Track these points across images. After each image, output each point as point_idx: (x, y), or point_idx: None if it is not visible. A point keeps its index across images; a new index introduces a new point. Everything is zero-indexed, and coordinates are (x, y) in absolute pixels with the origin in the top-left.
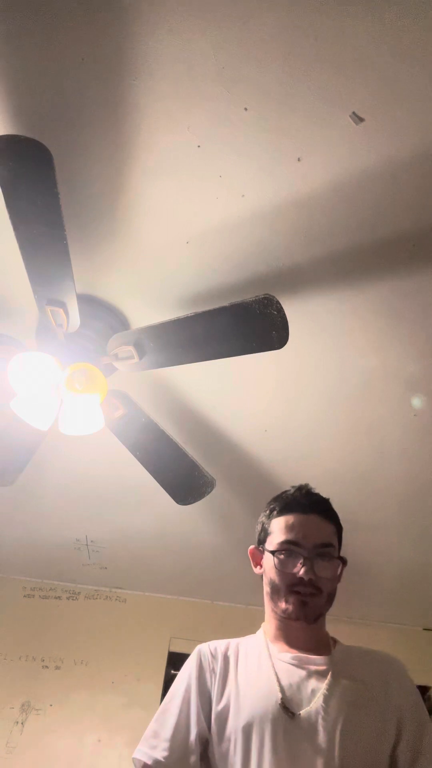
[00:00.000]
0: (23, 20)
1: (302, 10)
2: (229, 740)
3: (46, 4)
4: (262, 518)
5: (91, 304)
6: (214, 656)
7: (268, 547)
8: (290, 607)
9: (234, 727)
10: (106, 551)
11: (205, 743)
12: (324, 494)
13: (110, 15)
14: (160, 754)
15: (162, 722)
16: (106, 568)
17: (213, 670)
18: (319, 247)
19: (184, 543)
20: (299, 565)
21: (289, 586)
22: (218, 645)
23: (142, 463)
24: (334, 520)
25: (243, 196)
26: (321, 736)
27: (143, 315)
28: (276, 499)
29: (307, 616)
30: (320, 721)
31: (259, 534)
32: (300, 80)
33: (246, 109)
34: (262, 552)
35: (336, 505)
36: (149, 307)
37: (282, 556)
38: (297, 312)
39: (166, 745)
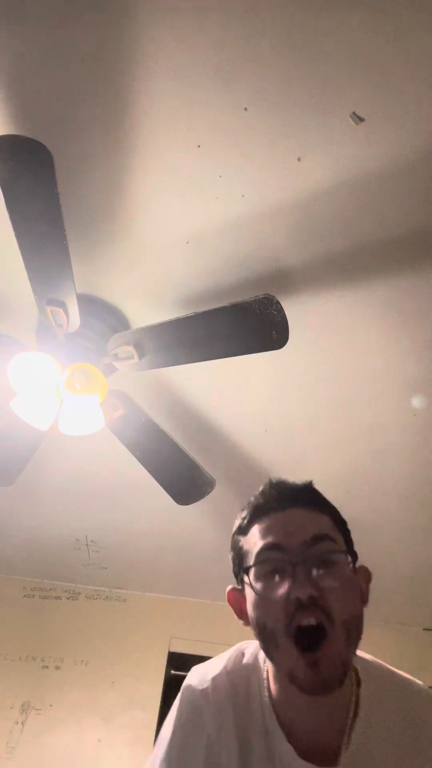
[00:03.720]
0: (23, 20)
1: (302, 9)
2: None
3: (46, 4)
4: (232, 542)
5: (91, 304)
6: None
7: (245, 574)
8: (299, 674)
9: None
10: (106, 551)
11: None
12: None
13: (110, 15)
14: None
15: None
16: (106, 568)
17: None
18: (319, 247)
19: (184, 543)
20: (288, 580)
21: (286, 627)
22: (205, 715)
23: (142, 463)
24: (327, 508)
25: (243, 196)
26: None
27: (143, 315)
28: (243, 508)
29: (325, 684)
30: None
31: (234, 564)
32: (300, 80)
33: (246, 109)
34: (242, 589)
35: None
36: (149, 307)
37: (261, 575)
38: (297, 312)
39: None
